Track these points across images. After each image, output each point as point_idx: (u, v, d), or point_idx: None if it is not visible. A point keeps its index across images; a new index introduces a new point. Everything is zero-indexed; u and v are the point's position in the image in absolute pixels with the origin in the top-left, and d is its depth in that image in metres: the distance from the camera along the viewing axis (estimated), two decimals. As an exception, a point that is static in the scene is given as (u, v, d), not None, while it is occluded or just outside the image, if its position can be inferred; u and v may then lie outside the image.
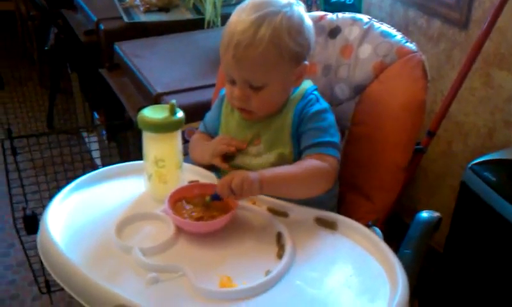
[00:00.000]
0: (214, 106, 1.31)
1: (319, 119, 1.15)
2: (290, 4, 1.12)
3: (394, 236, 1.17)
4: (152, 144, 1.11)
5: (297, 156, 1.15)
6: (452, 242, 1.73)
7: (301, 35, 1.12)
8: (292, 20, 1.10)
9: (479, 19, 1.77)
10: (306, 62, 1.16)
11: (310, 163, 1.10)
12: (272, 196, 1.11)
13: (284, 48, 1.09)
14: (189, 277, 0.92)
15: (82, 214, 1.08)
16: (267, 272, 0.94)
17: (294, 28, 1.10)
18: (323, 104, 1.18)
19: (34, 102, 3.23)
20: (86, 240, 1.01)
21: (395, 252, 1.00)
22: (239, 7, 1.13)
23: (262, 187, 1.04)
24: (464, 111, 1.90)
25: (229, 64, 1.11)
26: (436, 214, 1.24)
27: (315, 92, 1.20)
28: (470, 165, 1.60)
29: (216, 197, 1.05)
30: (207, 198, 1.06)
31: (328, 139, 1.13)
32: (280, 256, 0.98)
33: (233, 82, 1.14)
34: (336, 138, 1.15)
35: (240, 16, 1.10)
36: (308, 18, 1.15)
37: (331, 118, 1.17)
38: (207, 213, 1.04)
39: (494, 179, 1.53)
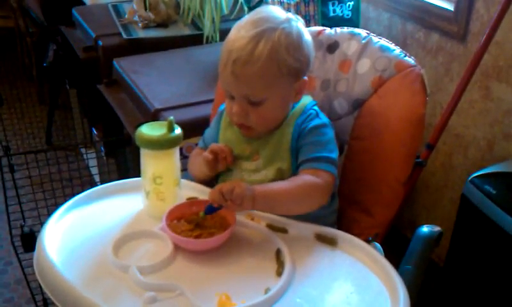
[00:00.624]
0: (213, 122, 1.31)
1: (317, 133, 1.15)
2: (288, 20, 1.12)
3: (394, 251, 1.16)
4: (149, 162, 1.10)
5: (296, 170, 1.14)
6: (453, 255, 1.72)
7: (300, 51, 1.12)
8: (290, 36, 1.10)
9: (477, 32, 1.78)
10: (306, 78, 1.16)
11: (303, 179, 1.10)
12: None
13: (282, 64, 1.09)
14: (187, 296, 0.90)
15: (79, 232, 1.07)
16: (267, 290, 0.92)
17: (293, 44, 1.10)
18: (323, 119, 1.18)
19: (32, 118, 3.23)
20: (83, 258, 1.00)
21: (396, 268, 0.99)
22: (237, 24, 1.13)
23: (255, 199, 1.02)
24: (464, 124, 1.90)
25: (228, 80, 1.11)
26: (437, 228, 1.24)
27: (315, 107, 1.20)
28: (470, 178, 1.60)
29: (209, 211, 1.04)
30: (201, 214, 1.05)
31: (324, 154, 1.12)
32: (279, 273, 0.97)
33: (232, 98, 1.13)
34: (334, 154, 1.14)
35: (238, 33, 1.10)
36: (307, 34, 1.15)
37: (330, 133, 1.16)
38: (205, 231, 1.03)
39: (494, 192, 1.52)
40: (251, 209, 1.05)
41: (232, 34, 1.12)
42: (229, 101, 1.15)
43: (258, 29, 1.08)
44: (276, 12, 1.13)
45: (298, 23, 1.14)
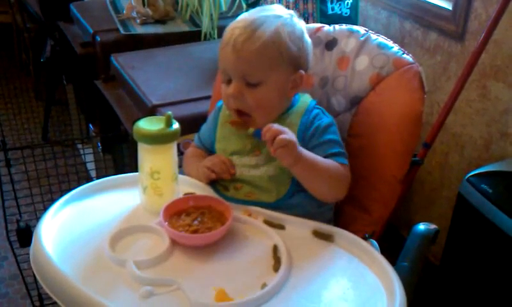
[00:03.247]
0: (209, 118, 1.31)
1: (331, 132, 1.17)
2: (291, 16, 1.15)
3: (391, 249, 1.16)
4: (147, 156, 1.10)
5: None
6: (449, 254, 1.73)
7: (301, 41, 1.15)
8: (293, 25, 1.14)
9: (475, 31, 1.78)
10: (303, 72, 1.16)
11: (336, 164, 1.12)
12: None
13: (284, 48, 1.11)
14: (184, 290, 0.90)
15: (76, 227, 1.07)
16: (263, 285, 0.92)
17: (295, 33, 1.13)
18: (330, 117, 1.20)
19: (29, 113, 3.22)
20: (79, 253, 0.99)
21: (392, 265, 0.99)
22: (235, 20, 1.15)
23: (300, 158, 1.04)
24: (461, 123, 1.90)
25: (227, 58, 1.11)
26: (433, 226, 1.24)
27: (318, 106, 1.21)
28: (466, 177, 1.60)
29: (257, 134, 1.08)
30: (250, 130, 1.11)
31: (340, 149, 1.16)
32: (276, 269, 0.97)
33: (229, 82, 1.13)
34: (344, 149, 1.18)
35: (242, 17, 1.13)
36: (307, 34, 1.18)
37: (337, 131, 1.19)
38: (202, 226, 1.03)
39: (491, 191, 1.53)
40: (288, 165, 1.06)
41: (236, 20, 1.14)
42: (226, 86, 1.15)
43: (261, 14, 1.12)
44: (280, 9, 1.16)
45: (300, 21, 1.17)
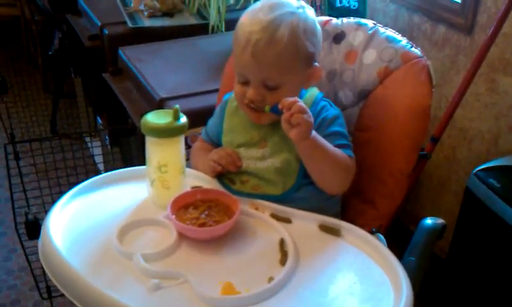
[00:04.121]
0: (216, 111, 1.31)
1: (338, 124, 1.17)
2: (302, 7, 1.14)
3: (398, 243, 1.16)
4: (155, 150, 1.10)
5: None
6: (456, 248, 1.72)
7: (315, 36, 1.14)
8: (307, 21, 1.12)
9: (484, 24, 1.77)
10: (317, 64, 1.16)
11: (343, 154, 1.12)
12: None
13: (301, 49, 1.10)
14: (191, 283, 0.91)
15: (84, 220, 1.07)
16: (270, 279, 0.93)
17: (309, 29, 1.12)
18: (337, 110, 1.20)
19: (37, 106, 3.23)
20: (87, 245, 1.00)
21: (399, 259, 0.99)
22: (251, 9, 1.13)
23: (313, 137, 1.05)
24: (469, 117, 1.89)
25: (246, 63, 1.10)
26: (441, 221, 1.23)
27: (325, 98, 1.20)
28: (474, 171, 1.59)
29: (274, 109, 1.07)
30: (267, 107, 1.10)
31: (346, 142, 1.16)
32: (283, 262, 0.97)
33: (245, 83, 1.13)
34: (350, 142, 1.18)
35: (255, 16, 1.10)
36: (317, 22, 1.17)
37: (344, 123, 1.19)
38: (210, 219, 1.03)
39: (498, 185, 1.52)
40: (296, 141, 1.05)
41: (247, 19, 1.11)
42: (241, 86, 1.14)
43: (276, 13, 1.09)
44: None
45: (311, 11, 1.15)
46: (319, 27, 1.17)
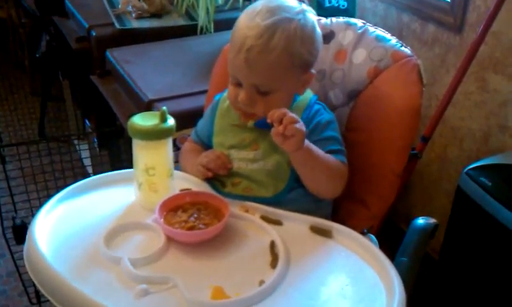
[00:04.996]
0: (206, 112, 1.29)
1: (331, 128, 1.16)
2: (303, 11, 1.10)
3: (389, 243, 1.15)
4: (142, 152, 1.09)
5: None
6: (448, 247, 1.72)
7: (313, 44, 1.12)
8: (306, 28, 1.09)
9: (473, 23, 1.76)
10: (313, 71, 1.15)
11: (336, 161, 1.11)
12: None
13: (296, 57, 1.08)
14: (180, 288, 0.89)
15: (70, 224, 1.05)
16: (261, 282, 0.91)
17: (307, 37, 1.09)
18: (330, 114, 1.19)
19: (25, 109, 3.20)
20: (73, 251, 0.98)
21: (391, 260, 0.98)
22: (250, 10, 1.10)
23: (307, 146, 1.03)
24: (460, 116, 1.89)
25: (239, 67, 1.09)
26: (433, 220, 1.23)
27: (319, 101, 1.19)
28: (465, 170, 1.59)
29: (260, 123, 1.06)
30: (251, 122, 1.08)
31: (340, 147, 1.15)
32: (273, 265, 0.95)
33: (238, 85, 1.11)
34: (344, 147, 1.17)
35: (253, 20, 1.07)
36: (318, 26, 1.14)
37: (337, 127, 1.18)
38: (199, 222, 1.02)
39: (490, 184, 1.52)
40: (290, 151, 1.04)
41: (245, 21, 1.09)
42: (234, 87, 1.12)
43: (274, 18, 1.06)
44: (290, 1, 1.11)
45: (311, 14, 1.13)
46: (318, 31, 1.14)
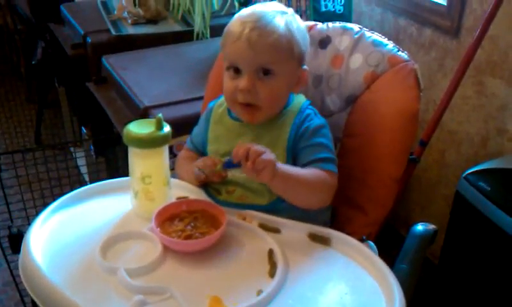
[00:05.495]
0: (201, 119, 1.28)
1: (319, 135, 1.14)
2: (292, 12, 1.16)
3: (388, 248, 1.14)
4: (138, 160, 1.07)
5: None
6: (448, 252, 1.71)
7: (305, 37, 1.16)
8: (298, 20, 1.15)
9: (470, 27, 1.76)
10: (306, 68, 1.16)
11: (318, 173, 1.09)
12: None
13: (294, 43, 1.11)
14: (177, 299, 0.88)
15: (66, 234, 1.04)
16: (259, 292, 0.90)
17: (301, 28, 1.14)
18: (321, 119, 1.17)
19: (21, 117, 3.19)
20: (69, 260, 0.97)
21: (390, 266, 0.97)
22: (241, 12, 1.13)
23: (275, 175, 1.00)
24: (457, 120, 1.88)
25: (240, 52, 1.09)
26: (432, 227, 1.22)
27: (311, 107, 1.18)
28: (464, 174, 1.58)
29: (227, 165, 1.03)
30: (218, 166, 1.06)
31: (329, 155, 1.12)
32: (272, 274, 0.94)
33: (237, 74, 1.11)
34: (334, 154, 1.14)
35: (248, 14, 1.11)
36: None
37: (328, 134, 1.16)
38: (196, 231, 1.00)
39: (488, 188, 1.51)
40: (266, 182, 1.02)
41: (240, 16, 1.12)
42: (232, 80, 1.12)
43: (268, 10, 1.11)
44: (279, 6, 1.16)
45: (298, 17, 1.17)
46: (307, 33, 1.18)
